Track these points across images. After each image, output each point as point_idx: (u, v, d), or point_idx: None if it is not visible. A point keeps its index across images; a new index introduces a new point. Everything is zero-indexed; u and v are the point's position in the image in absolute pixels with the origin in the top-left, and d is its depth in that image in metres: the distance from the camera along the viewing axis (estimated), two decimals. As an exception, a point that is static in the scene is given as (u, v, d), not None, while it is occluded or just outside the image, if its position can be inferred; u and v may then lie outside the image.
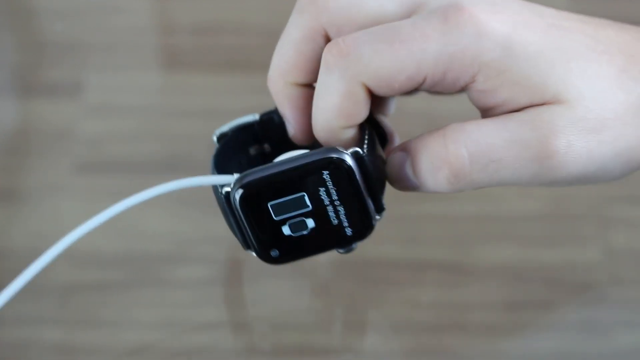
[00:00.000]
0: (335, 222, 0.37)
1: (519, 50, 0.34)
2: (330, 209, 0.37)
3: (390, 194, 0.49)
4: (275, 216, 0.37)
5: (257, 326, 0.44)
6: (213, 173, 0.39)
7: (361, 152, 0.36)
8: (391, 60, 0.34)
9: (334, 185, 0.36)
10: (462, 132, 0.34)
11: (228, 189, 0.37)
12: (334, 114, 0.36)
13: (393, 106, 0.40)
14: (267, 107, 0.45)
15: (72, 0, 0.59)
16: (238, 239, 0.38)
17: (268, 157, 0.41)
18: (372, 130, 0.39)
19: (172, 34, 0.58)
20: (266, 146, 0.42)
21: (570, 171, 0.34)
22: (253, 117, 0.41)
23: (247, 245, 0.38)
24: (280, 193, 0.37)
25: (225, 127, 0.40)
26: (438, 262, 0.46)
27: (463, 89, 0.35)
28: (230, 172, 0.38)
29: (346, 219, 0.37)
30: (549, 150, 0.33)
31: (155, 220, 0.47)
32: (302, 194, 0.36)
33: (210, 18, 0.58)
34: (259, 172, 0.36)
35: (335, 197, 0.37)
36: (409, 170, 0.36)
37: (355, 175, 0.36)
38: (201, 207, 0.48)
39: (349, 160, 0.36)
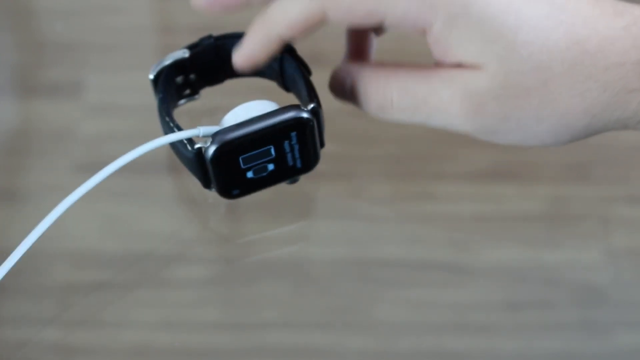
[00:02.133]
0: (291, 163, 0.44)
1: (476, 10, 0.36)
2: (289, 155, 0.44)
3: (390, 194, 0.49)
4: (242, 165, 0.43)
5: (257, 326, 0.44)
6: (162, 120, 0.45)
7: (317, 107, 0.43)
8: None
9: (296, 136, 0.43)
10: (396, 77, 0.39)
11: (198, 145, 0.43)
12: (286, 22, 0.40)
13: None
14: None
15: (72, 0, 0.59)
16: (199, 180, 0.45)
17: (193, 85, 0.49)
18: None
19: (172, 34, 0.58)
20: (192, 76, 0.49)
21: (483, 127, 0.38)
22: (183, 53, 0.48)
23: (208, 185, 0.44)
24: (250, 148, 0.43)
25: (159, 67, 0.47)
26: (438, 262, 0.46)
27: (423, 34, 0.38)
28: (170, 110, 0.46)
29: (300, 158, 0.44)
30: (458, 111, 0.37)
31: (155, 220, 0.48)
32: (269, 146, 0.43)
33: (210, 18, 0.57)
34: (232, 132, 0.42)
35: (295, 144, 0.43)
36: (347, 87, 0.41)
37: (314, 128, 0.43)
38: (201, 207, 0.48)
39: (311, 116, 0.43)
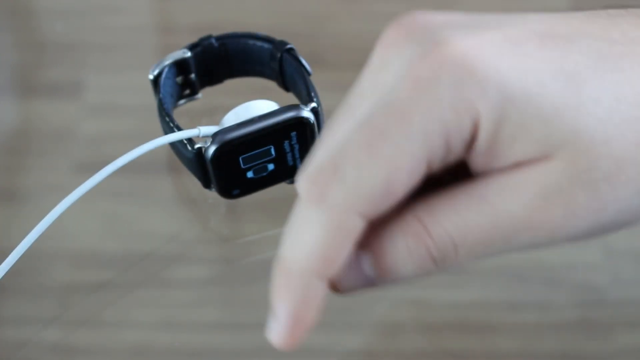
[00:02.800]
0: (291, 163, 0.44)
1: (516, 89, 0.28)
2: (289, 154, 0.44)
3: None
4: (242, 165, 0.43)
5: (257, 326, 0.44)
6: (162, 120, 0.45)
7: (317, 106, 0.43)
8: (377, 168, 0.27)
9: (296, 136, 0.43)
10: (440, 219, 0.29)
11: (198, 145, 0.43)
12: (314, 255, 0.28)
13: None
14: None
15: (72, 0, 0.59)
16: (199, 180, 0.45)
17: (193, 85, 0.49)
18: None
19: (172, 34, 0.58)
20: (192, 76, 0.49)
21: (578, 230, 0.29)
22: (183, 53, 0.47)
23: (208, 185, 0.45)
24: (250, 148, 0.43)
25: (159, 67, 0.45)
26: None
27: (466, 155, 0.29)
28: (170, 110, 0.46)
29: (300, 158, 0.44)
30: (541, 220, 0.28)
31: (155, 220, 0.47)
32: (270, 146, 0.43)
33: (210, 18, 0.57)
34: (232, 132, 0.42)
35: (295, 144, 0.43)
36: (367, 267, 0.29)
37: (314, 127, 0.43)
38: (201, 207, 0.48)
39: (311, 116, 0.43)
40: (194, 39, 0.48)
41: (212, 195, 0.46)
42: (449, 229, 0.28)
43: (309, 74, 0.46)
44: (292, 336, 0.29)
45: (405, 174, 0.28)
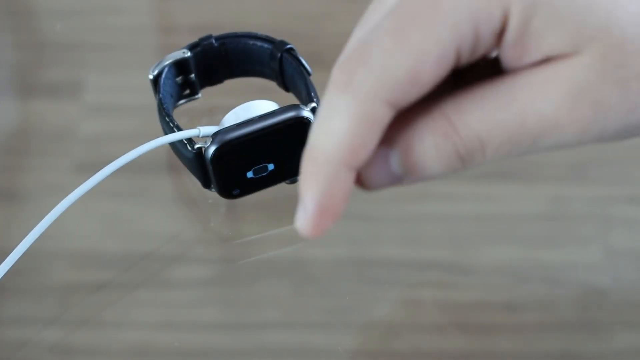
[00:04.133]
0: (292, 163, 0.43)
1: None
2: (289, 154, 0.43)
3: (390, 194, 0.49)
4: (242, 165, 0.43)
5: (257, 326, 0.44)
6: (162, 120, 0.45)
7: (317, 106, 0.43)
8: (404, 55, 0.27)
9: (296, 136, 0.42)
10: (467, 114, 0.28)
11: (198, 145, 0.43)
12: (341, 144, 0.28)
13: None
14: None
15: (72, 0, 0.59)
16: (199, 180, 0.45)
17: (193, 85, 0.49)
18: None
19: (172, 34, 0.58)
20: (192, 76, 0.48)
21: (606, 131, 0.28)
22: (183, 53, 0.47)
23: (208, 185, 0.45)
24: (250, 148, 0.43)
25: (159, 67, 0.45)
26: (438, 262, 0.46)
27: (497, 45, 0.28)
28: (170, 110, 0.46)
29: (300, 158, 0.40)
30: (570, 119, 0.28)
31: (155, 220, 0.47)
32: (270, 146, 0.43)
33: (210, 18, 0.57)
34: (232, 131, 0.42)
35: (295, 144, 0.41)
36: (394, 164, 0.29)
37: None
38: (201, 207, 0.48)
39: (312, 116, 0.42)
40: (194, 39, 0.48)
41: (212, 195, 0.46)
42: (476, 127, 0.28)
43: (309, 74, 0.46)
44: (318, 225, 0.29)
45: (433, 62, 0.27)
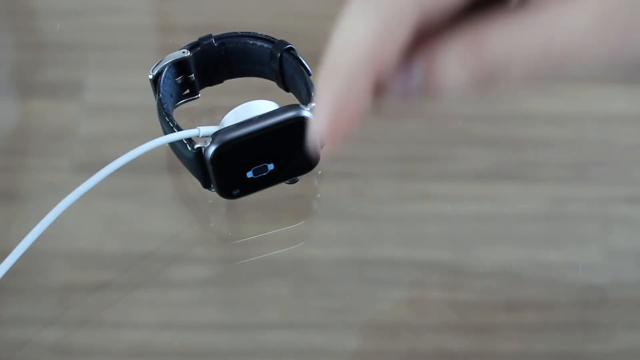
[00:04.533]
0: (291, 163, 0.44)
1: None
2: (289, 154, 0.44)
3: (390, 194, 0.49)
4: (242, 165, 0.43)
5: (257, 326, 0.44)
6: (162, 120, 0.45)
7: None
8: None
9: (296, 136, 0.43)
10: (493, 33, 0.27)
11: (198, 145, 0.43)
12: (365, 43, 0.27)
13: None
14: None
15: (72, 0, 0.59)
16: (199, 180, 0.45)
17: (193, 85, 0.49)
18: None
19: (172, 34, 0.58)
20: (192, 76, 0.48)
21: (635, 57, 0.27)
22: (183, 53, 0.47)
23: (208, 185, 0.45)
24: (250, 147, 0.43)
25: (159, 67, 0.45)
26: (438, 262, 0.46)
27: None
28: (170, 110, 0.46)
29: (300, 158, 0.44)
30: (599, 44, 0.27)
31: (155, 220, 0.47)
32: (269, 146, 0.43)
33: (210, 18, 0.57)
34: (232, 132, 0.42)
35: (295, 144, 0.43)
36: (416, 76, 0.28)
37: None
38: (201, 207, 0.48)
39: (312, 116, 0.42)
40: (194, 39, 0.48)
41: (212, 195, 0.46)
42: (502, 45, 0.27)
43: (309, 74, 0.46)
44: (332, 130, 0.28)
45: None
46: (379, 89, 0.28)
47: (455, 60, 0.28)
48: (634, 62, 0.28)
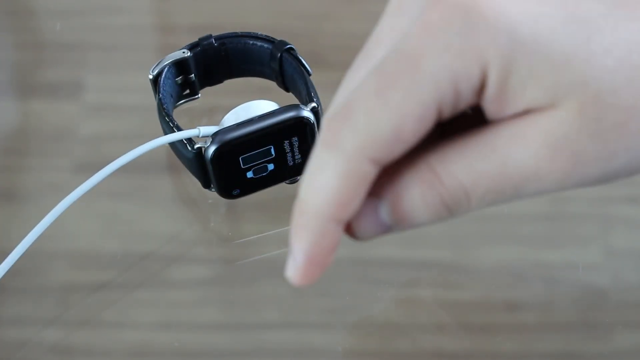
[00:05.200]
0: (291, 163, 0.44)
1: (526, 35, 0.27)
2: (289, 154, 0.44)
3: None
4: (242, 165, 0.43)
5: (257, 326, 0.44)
6: (162, 120, 0.45)
7: (317, 106, 0.43)
8: (386, 114, 0.28)
9: (297, 136, 0.43)
10: (451, 166, 0.29)
11: (198, 145, 0.43)
12: (328, 199, 0.29)
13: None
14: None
15: (72, 0, 0.59)
16: (199, 180, 0.45)
17: (193, 85, 0.49)
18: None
19: (172, 34, 0.58)
20: (192, 76, 0.48)
21: (587, 179, 0.29)
22: (183, 53, 0.47)
23: (208, 185, 0.45)
24: (250, 148, 0.43)
25: (159, 67, 0.45)
26: (438, 262, 0.46)
27: (477, 100, 0.29)
28: (170, 110, 0.46)
29: (300, 158, 0.44)
30: (549, 169, 0.28)
31: (155, 220, 0.47)
32: (270, 146, 0.43)
33: (210, 18, 0.57)
34: (232, 131, 0.42)
35: (295, 144, 0.43)
36: (384, 215, 0.30)
37: (314, 127, 0.43)
38: (201, 207, 0.48)
39: (311, 116, 0.43)
40: (194, 39, 0.48)
41: (212, 195, 0.46)
42: (460, 178, 0.29)
43: (309, 74, 0.46)
44: (307, 275, 0.30)
45: (415, 120, 0.28)
46: (349, 226, 0.30)
47: (418, 197, 0.29)
48: (585, 182, 0.29)
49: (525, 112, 0.28)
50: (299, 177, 0.46)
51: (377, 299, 0.45)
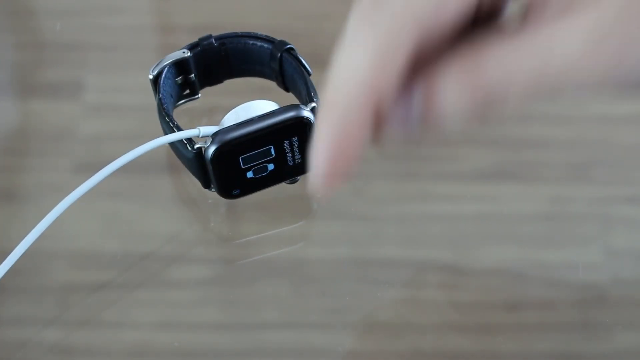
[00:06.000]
0: (291, 163, 0.44)
1: None
2: (289, 154, 0.44)
3: (390, 194, 0.49)
4: (242, 165, 0.43)
5: (257, 326, 0.44)
6: (162, 120, 0.45)
7: (317, 106, 0.43)
8: None
9: (297, 136, 0.43)
10: (490, 56, 0.27)
11: (198, 145, 0.43)
12: (364, 73, 0.27)
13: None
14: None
15: (72, 0, 0.59)
16: (199, 180, 0.45)
17: (193, 85, 0.49)
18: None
19: (172, 34, 0.58)
20: (192, 76, 0.48)
21: (632, 76, 0.27)
22: (183, 53, 0.47)
23: (208, 185, 0.45)
24: (250, 148, 0.43)
25: (159, 67, 0.45)
26: (438, 262, 0.46)
27: None
28: (170, 110, 0.46)
29: (300, 158, 0.44)
30: (595, 63, 0.27)
31: (155, 220, 0.47)
32: (270, 146, 0.43)
33: (210, 18, 0.57)
34: (232, 132, 0.42)
35: (295, 144, 0.43)
36: (416, 106, 0.28)
37: (314, 127, 0.39)
38: (201, 207, 0.48)
39: (312, 116, 0.43)
40: (194, 39, 0.48)
41: (212, 195, 0.46)
42: (500, 69, 0.27)
43: (309, 74, 0.46)
44: (332, 170, 0.27)
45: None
46: (379, 121, 0.28)
47: (454, 85, 0.27)
48: (629, 81, 0.28)
49: (570, 5, 0.27)
50: (299, 177, 0.46)
51: (377, 299, 0.45)
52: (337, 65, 0.27)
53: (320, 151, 0.27)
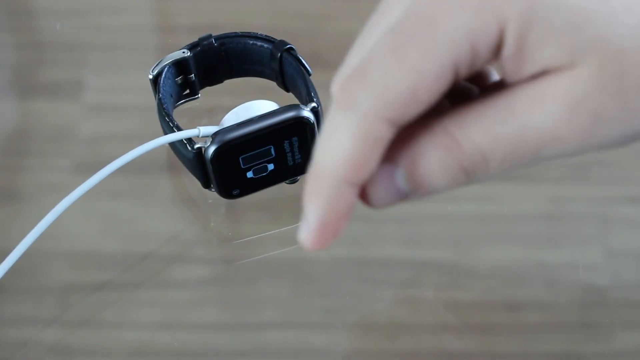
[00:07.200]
0: (291, 163, 0.44)
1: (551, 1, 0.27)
2: (289, 154, 0.44)
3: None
4: (242, 165, 0.44)
5: (257, 326, 0.44)
6: (162, 120, 0.45)
7: (317, 106, 0.43)
8: (403, 73, 0.27)
9: (297, 136, 0.43)
10: (469, 130, 0.28)
11: (198, 145, 0.43)
12: (342, 161, 0.28)
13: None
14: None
15: (72, 0, 0.59)
16: (199, 180, 0.45)
17: (193, 85, 0.49)
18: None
19: (172, 34, 0.58)
20: (192, 76, 0.48)
21: (607, 140, 0.28)
22: (183, 53, 0.47)
23: (208, 185, 0.45)
24: (249, 148, 0.43)
25: (159, 67, 0.45)
26: (438, 262, 0.46)
27: (495, 59, 0.28)
28: (170, 110, 0.46)
29: (300, 158, 0.44)
30: (569, 130, 0.27)
31: (155, 220, 0.47)
32: (270, 146, 0.43)
33: (210, 18, 0.57)
34: (232, 132, 0.42)
35: (295, 144, 0.44)
36: (400, 181, 0.29)
37: (314, 127, 0.43)
38: (201, 207, 0.48)
39: (312, 116, 0.43)
40: (194, 39, 0.48)
41: (212, 195, 0.46)
42: (478, 141, 0.28)
43: (309, 74, 0.46)
44: (320, 238, 0.29)
45: (432, 79, 0.27)
46: (364, 191, 0.29)
47: (435, 161, 0.29)
48: (606, 144, 0.28)
49: (544, 73, 0.28)
50: (298, 177, 0.46)
51: (377, 299, 0.45)
52: (321, 148, 0.29)
53: (310, 228, 0.29)
